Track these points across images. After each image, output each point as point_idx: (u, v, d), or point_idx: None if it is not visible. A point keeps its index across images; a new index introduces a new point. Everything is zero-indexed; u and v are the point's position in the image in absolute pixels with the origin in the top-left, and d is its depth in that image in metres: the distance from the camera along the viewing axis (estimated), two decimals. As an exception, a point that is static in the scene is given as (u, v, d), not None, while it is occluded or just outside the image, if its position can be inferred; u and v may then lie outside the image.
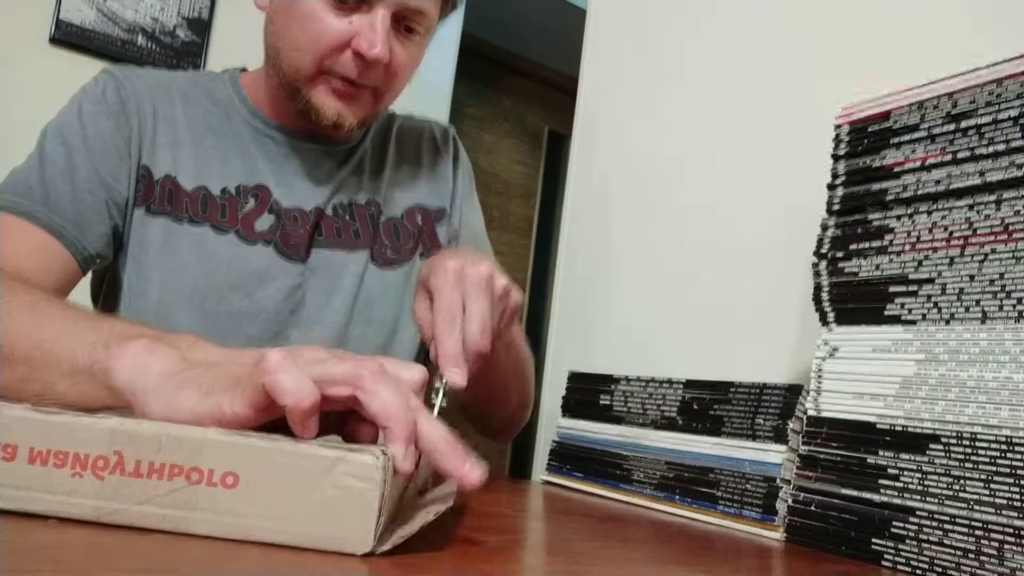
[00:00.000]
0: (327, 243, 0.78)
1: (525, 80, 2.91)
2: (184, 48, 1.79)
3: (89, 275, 0.75)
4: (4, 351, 0.46)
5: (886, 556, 0.50)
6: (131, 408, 0.39)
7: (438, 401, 0.49)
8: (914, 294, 0.54)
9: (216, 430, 0.34)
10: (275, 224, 0.75)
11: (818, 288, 0.60)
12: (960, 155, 0.53)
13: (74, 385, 0.42)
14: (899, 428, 0.52)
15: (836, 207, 0.61)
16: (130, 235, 0.72)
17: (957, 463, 0.48)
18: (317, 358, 0.37)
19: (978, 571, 0.46)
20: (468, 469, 0.37)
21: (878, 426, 0.53)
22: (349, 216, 0.80)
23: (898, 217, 0.56)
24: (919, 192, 0.55)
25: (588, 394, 0.79)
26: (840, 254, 0.59)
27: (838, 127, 0.62)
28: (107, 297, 0.75)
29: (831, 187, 0.61)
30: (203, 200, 0.73)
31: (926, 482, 0.50)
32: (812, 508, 0.56)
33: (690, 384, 0.69)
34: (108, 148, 0.72)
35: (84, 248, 0.69)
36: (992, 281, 0.50)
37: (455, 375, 0.51)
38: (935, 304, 0.52)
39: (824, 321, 0.60)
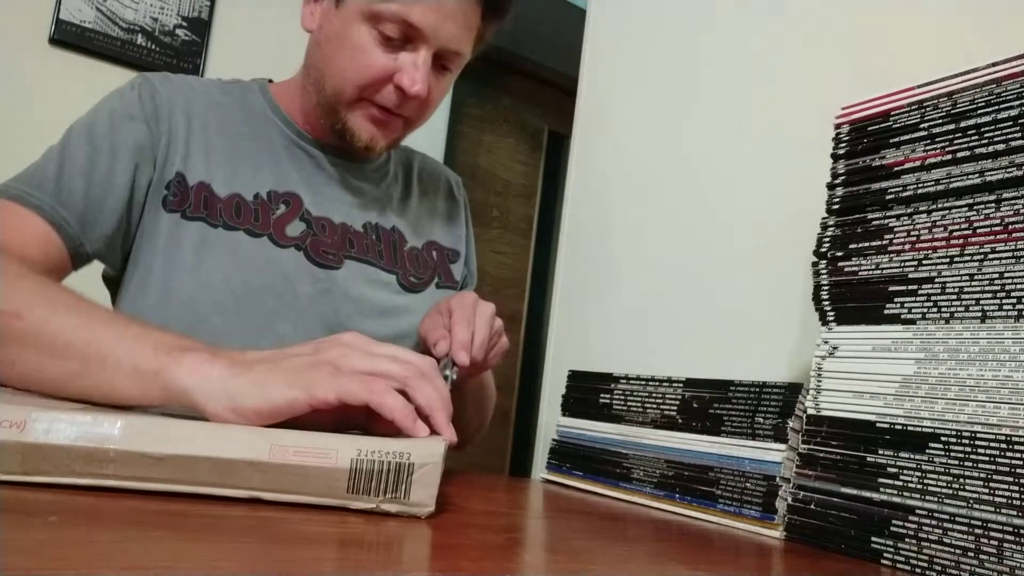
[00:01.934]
0: (359, 256, 0.81)
1: (525, 80, 2.91)
2: (184, 48, 1.79)
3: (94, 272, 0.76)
4: (58, 347, 0.49)
5: (885, 555, 0.50)
6: (190, 407, 0.45)
7: (450, 376, 0.64)
8: (914, 293, 0.54)
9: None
10: (306, 231, 0.78)
11: (818, 287, 0.60)
12: (960, 155, 0.53)
13: (136, 384, 0.47)
14: (899, 427, 0.52)
15: (836, 206, 0.61)
16: (160, 238, 0.73)
17: (956, 462, 0.48)
18: (370, 353, 0.49)
19: (977, 570, 0.46)
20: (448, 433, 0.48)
21: (878, 425, 0.53)
22: (376, 236, 0.84)
23: (898, 216, 0.56)
24: (919, 192, 0.55)
25: (588, 393, 0.79)
26: (840, 253, 0.59)
27: (838, 127, 0.62)
28: (131, 295, 0.75)
29: (831, 187, 0.62)
30: (237, 207, 0.76)
31: (925, 481, 0.50)
32: (812, 507, 0.56)
33: (690, 383, 0.69)
34: (135, 152, 0.73)
35: (81, 245, 0.70)
36: (992, 280, 0.50)
37: (463, 356, 0.65)
38: (935, 303, 0.52)
39: (824, 320, 0.60)
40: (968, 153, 0.52)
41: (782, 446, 0.60)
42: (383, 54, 0.72)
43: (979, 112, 0.52)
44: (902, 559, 0.50)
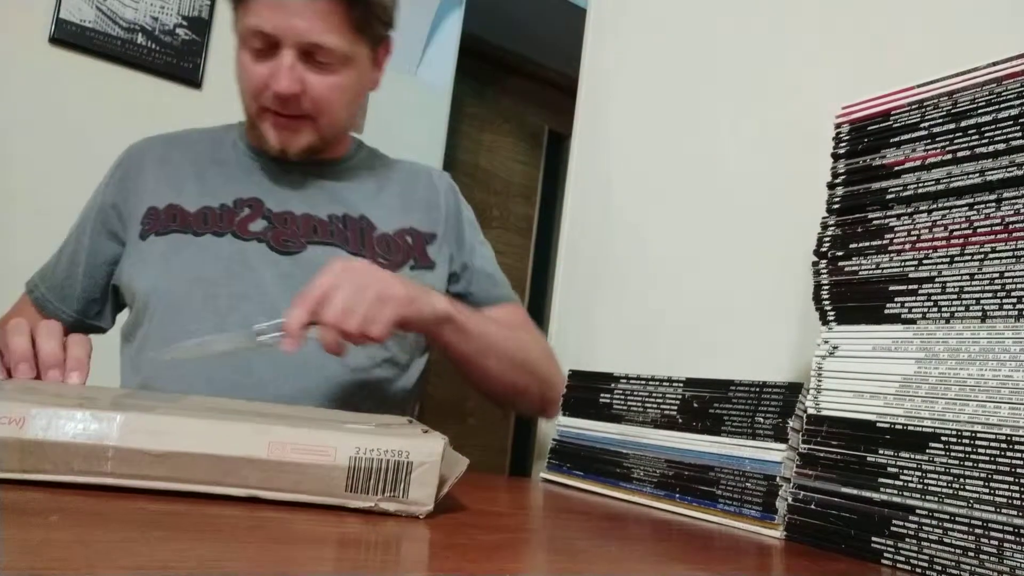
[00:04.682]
0: (323, 241, 0.86)
1: (525, 80, 2.91)
2: (184, 47, 1.79)
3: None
4: None
5: (886, 554, 0.50)
6: None
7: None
8: (914, 293, 0.54)
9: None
10: (267, 226, 0.86)
11: (818, 287, 0.60)
12: (960, 154, 0.53)
13: None
14: (899, 427, 0.52)
15: (836, 206, 0.61)
16: (139, 257, 0.85)
17: (957, 461, 0.48)
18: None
19: (977, 569, 0.46)
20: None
21: (878, 424, 0.53)
22: (343, 225, 0.88)
23: (898, 216, 0.56)
24: (919, 191, 0.55)
25: (588, 392, 0.79)
26: (840, 253, 0.59)
27: (838, 126, 0.62)
28: (132, 301, 0.88)
29: (831, 186, 0.62)
30: (205, 216, 0.86)
31: (926, 480, 0.50)
32: (812, 506, 0.56)
33: (690, 383, 0.69)
34: (104, 219, 0.90)
35: (63, 312, 0.89)
36: (992, 280, 0.50)
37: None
38: (935, 303, 0.52)
39: (824, 320, 0.60)
40: (968, 153, 0.52)
41: (782, 446, 0.60)
42: (258, 66, 0.81)
43: (979, 112, 0.52)
44: (902, 559, 0.50)
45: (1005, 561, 0.45)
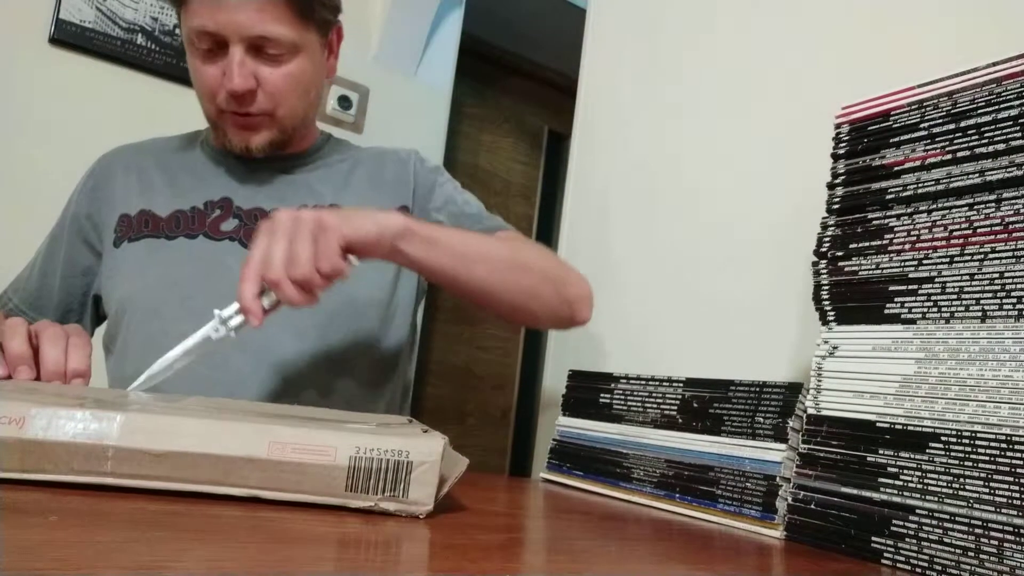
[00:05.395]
0: None
1: (525, 80, 2.91)
2: (184, 48, 1.79)
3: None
4: None
5: (886, 554, 0.50)
6: None
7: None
8: (914, 293, 0.54)
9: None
10: (239, 224, 0.86)
11: (818, 287, 0.60)
12: (960, 154, 0.53)
13: None
14: (899, 426, 0.52)
15: (836, 206, 0.61)
16: (114, 265, 0.87)
17: (957, 461, 0.48)
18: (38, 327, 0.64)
19: (977, 569, 0.46)
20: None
21: (878, 424, 0.53)
22: None
23: (898, 216, 0.56)
24: (919, 191, 0.55)
25: (588, 392, 0.79)
26: (840, 253, 0.59)
27: (838, 126, 0.62)
28: (110, 310, 0.88)
29: (831, 186, 0.62)
30: (177, 220, 0.88)
31: (926, 480, 0.50)
32: (812, 506, 0.56)
33: (690, 383, 0.69)
34: (78, 229, 0.91)
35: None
36: (992, 280, 0.50)
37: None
38: (935, 303, 0.52)
39: (824, 320, 0.60)
40: (968, 153, 0.52)
41: (782, 446, 0.60)
42: (209, 67, 0.80)
43: (979, 112, 0.52)
44: (902, 559, 0.50)
45: (1005, 561, 0.45)
